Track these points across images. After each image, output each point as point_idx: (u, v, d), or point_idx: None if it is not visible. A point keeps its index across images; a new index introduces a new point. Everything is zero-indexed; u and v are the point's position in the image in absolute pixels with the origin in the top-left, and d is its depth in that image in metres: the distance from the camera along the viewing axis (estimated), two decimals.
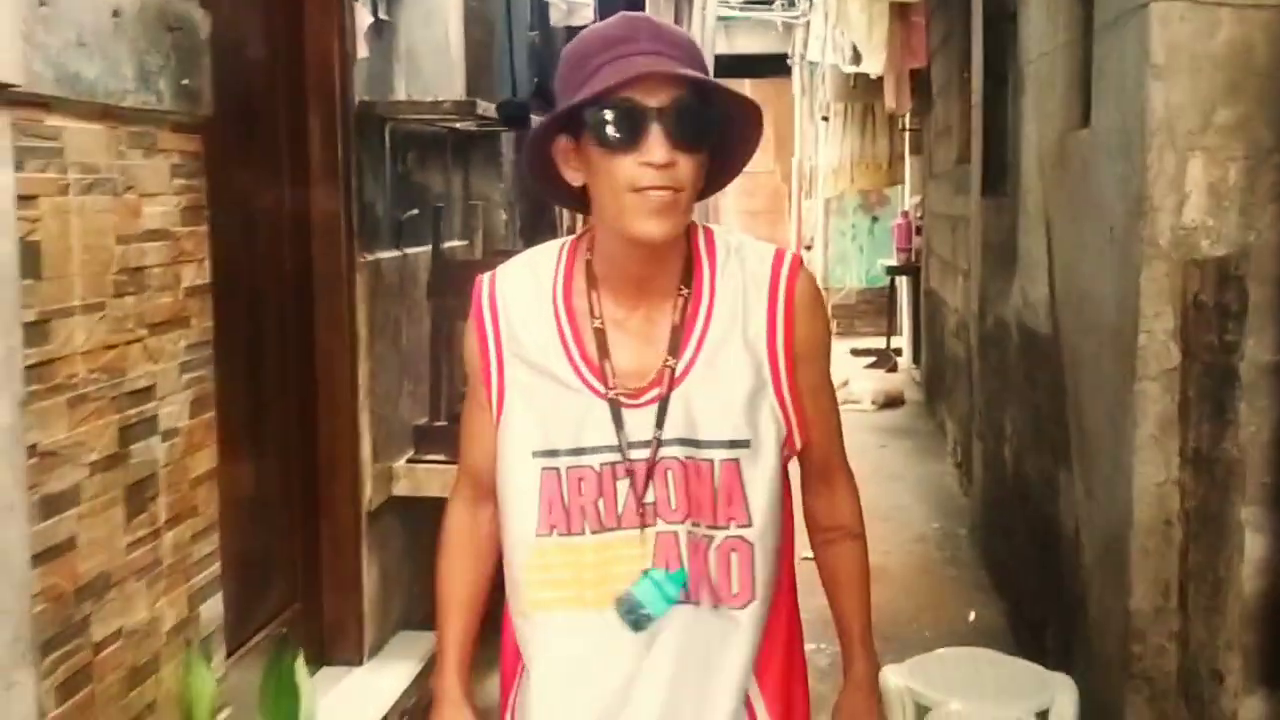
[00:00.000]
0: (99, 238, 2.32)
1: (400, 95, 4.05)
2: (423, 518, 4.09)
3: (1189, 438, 2.97)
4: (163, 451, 2.56)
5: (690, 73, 1.53)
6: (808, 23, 11.94)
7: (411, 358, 4.13)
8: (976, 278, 6.12)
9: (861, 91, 10.37)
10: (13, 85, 1.97)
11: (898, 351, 11.49)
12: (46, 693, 2.14)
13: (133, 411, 2.44)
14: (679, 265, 1.67)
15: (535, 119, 5.24)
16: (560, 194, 1.67)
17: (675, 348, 1.66)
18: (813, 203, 13.91)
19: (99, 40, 2.28)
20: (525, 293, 1.70)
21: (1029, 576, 4.50)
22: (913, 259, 10.59)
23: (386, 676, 3.79)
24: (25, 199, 2.07)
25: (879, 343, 11.70)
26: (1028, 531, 4.53)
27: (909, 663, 3.13)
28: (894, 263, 11.30)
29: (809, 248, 14.11)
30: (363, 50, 3.65)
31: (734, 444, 1.65)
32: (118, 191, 2.38)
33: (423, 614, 4.16)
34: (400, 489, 3.99)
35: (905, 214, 11.21)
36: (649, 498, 1.64)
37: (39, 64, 2.08)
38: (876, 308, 12.94)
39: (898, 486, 6.99)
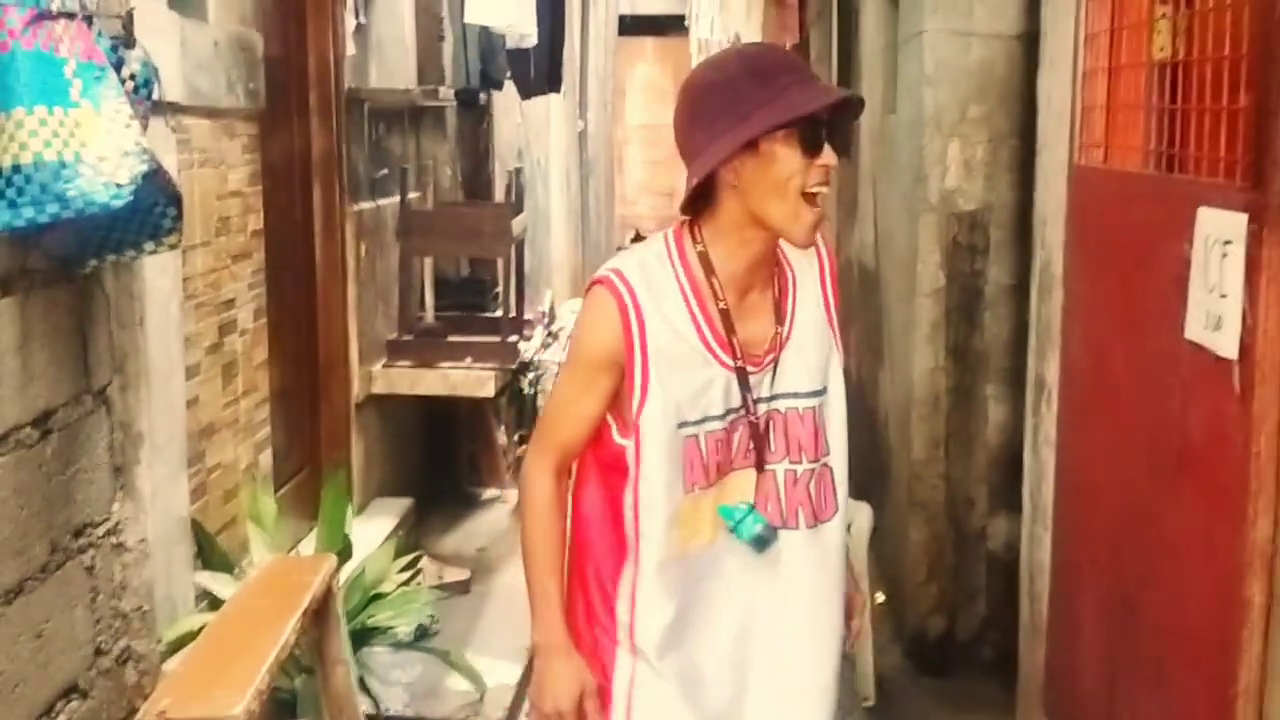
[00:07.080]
0: (206, 197, 3.44)
1: (373, 80, 5.16)
2: (392, 412, 5.28)
3: (950, 337, 4.23)
4: (240, 344, 3.70)
5: (858, 98, 1.98)
6: None
7: (384, 286, 5.26)
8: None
9: None
10: (174, 101, 3.09)
11: None
12: (187, 495, 3.29)
13: (225, 315, 3.58)
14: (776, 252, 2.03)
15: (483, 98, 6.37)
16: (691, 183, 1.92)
17: (780, 318, 2.02)
18: None
19: (208, 63, 3.39)
20: (657, 285, 1.95)
21: (861, 457, 5.77)
22: None
23: (371, 529, 4.92)
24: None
25: None
26: (862, 423, 5.80)
27: None
28: None
29: None
30: (351, 48, 4.75)
31: (816, 393, 2.03)
32: (215, 165, 3.51)
33: (391, 486, 5.33)
34: (377, 388, 5.13)
35: None
36: (762, 443, 1.99)
37: (181, 84, 3.20)
38: None
39: None
